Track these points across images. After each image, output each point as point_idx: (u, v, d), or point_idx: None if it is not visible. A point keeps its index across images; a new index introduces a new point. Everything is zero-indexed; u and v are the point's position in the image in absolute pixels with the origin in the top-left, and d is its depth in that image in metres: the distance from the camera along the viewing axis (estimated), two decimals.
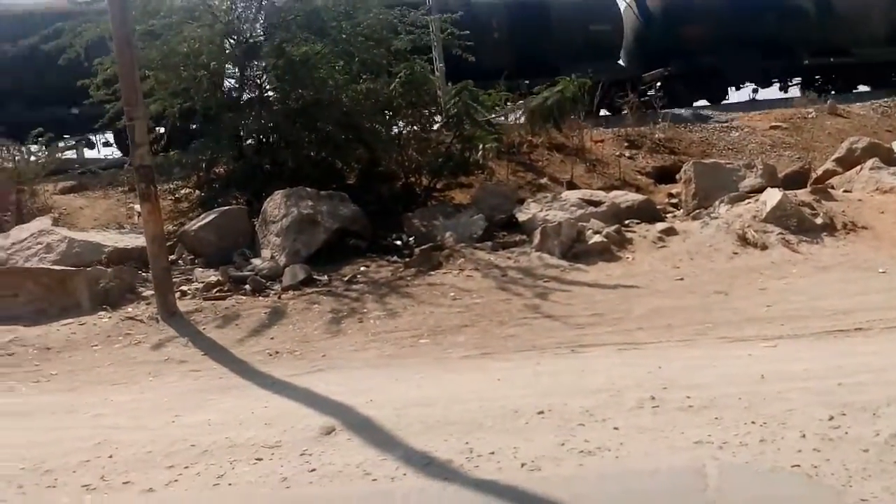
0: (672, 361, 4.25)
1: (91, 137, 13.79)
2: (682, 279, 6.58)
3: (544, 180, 10.68)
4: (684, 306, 5.71)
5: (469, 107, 9.66)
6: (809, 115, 14.65)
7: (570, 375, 4.16)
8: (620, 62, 17.80)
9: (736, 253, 7.17)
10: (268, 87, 9.00)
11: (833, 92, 18.75)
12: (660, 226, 7.99)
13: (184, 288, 6.97)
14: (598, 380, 3.96)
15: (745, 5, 18.18)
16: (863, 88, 19.53)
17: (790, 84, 20.50)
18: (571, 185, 10.37)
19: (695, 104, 16.95)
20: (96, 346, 5.69)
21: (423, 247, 7.67)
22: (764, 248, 7.19)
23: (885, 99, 16.49)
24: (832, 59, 19.22)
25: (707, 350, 4.57)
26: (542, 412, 3.50)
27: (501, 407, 3.61)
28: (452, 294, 6.48)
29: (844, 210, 7.90)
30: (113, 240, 8.07)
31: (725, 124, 14.12)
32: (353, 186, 9.47)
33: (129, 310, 6.44)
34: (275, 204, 7.98)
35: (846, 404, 3.28)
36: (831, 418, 3.14)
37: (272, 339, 5.64)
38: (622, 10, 18.55)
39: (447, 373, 4.53)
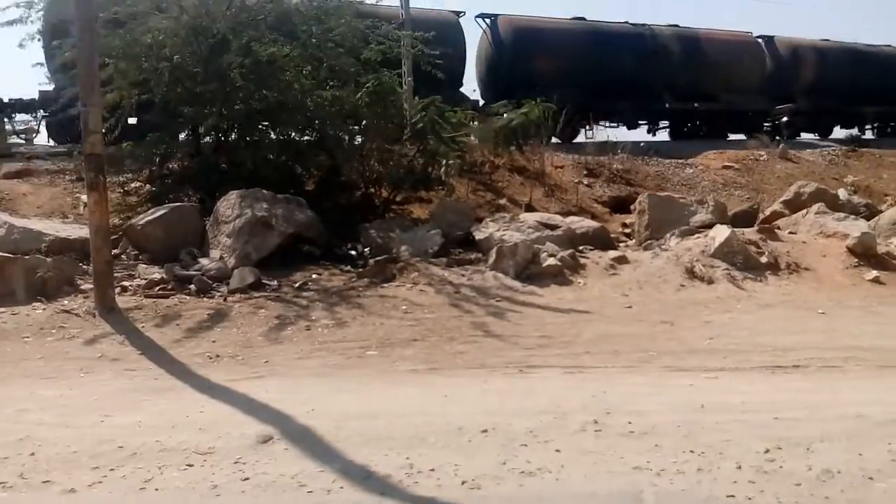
0: (616, 387, 4.29)
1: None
2: (630, 307, 6.67)
3: (503, 201, 10.78)
4: (631, 333, 5.78)
5: (435, 122, 9.69)
6: (761, 158, 15.21)
7: (516, 395, 4.14)
8: (462, 90, 17.08)
9: (683, 285, 7.32)
10: (231, 85, 8.82)
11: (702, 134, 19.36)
12: (612, 253, 8.11)
13: (125, 283, 6.74)
14: (544, 401, 3.95)
15: (604, 42, 18.19)
16: (734, 136, 20.14)
17: (657, 127, 20.84)
18: (530, 208, 10.49)
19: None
20: (27, 337, 5.43)
21: (377, 258, 7.61)
22: (710, 282, 7.36)
23: (833, 147, 17.25)
24: (697, 105, 19.66)
25: (651, 377, 4.62)
26: (486, 431, 3.47)
27: (446, 423, 3.57)
28: (404, 307, 6.43)
29: (789, 251, 8.17)
30: (55, 229, 7.78)
31: (681, 161, 14.54)
32: (311, 193, 9.36)
33: (66, 302, 6.18)
34: (229, 204, 7.80)
35: (782, 438, 3.34)
36: (767, 451, 3.20)
37: (213, 342, 5.47)
38: (481, 36, 18.44)
39: (393, 386, 4.46)
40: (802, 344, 5.40)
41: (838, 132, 22.54)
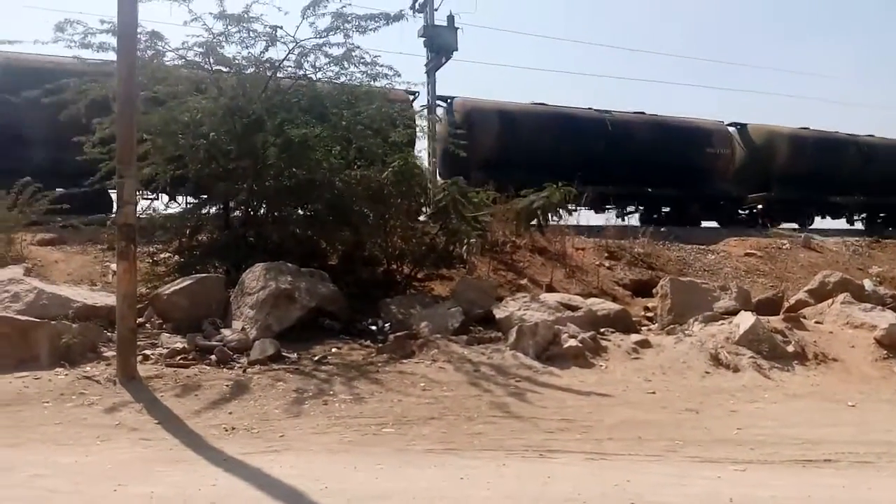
0: (640, 476, 4.15)
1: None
2: (654, 392, 6.53)
3: (524, 281, 10.78)
4: (655, 420, 5.63)
5: (457, 201, 9.87)
6: (784, 247, 15.14)
7: (535, 481, 4.03)
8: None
9: (708, 372, 7.17)
10: (263, 162, 9.14)
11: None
12: (634, 337, 8.02)
13: (147, 352, 6.77)
14: (565, 488, 3.84)
15: (566, 126, 18.15)
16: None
17: (626, 212, 20.49)
18: (550, 289, 10.47)
19: None
20: (47, 402, 5.44)
21: (397, 334, 7.60)
22: (736, 370, 7.21)
23: (857, 238, 17.15)
24: (665, 191, 19.52)
25: (676, 468, 4.47)
26: None
27: None
28: (422, 384, 6.36)
29: (816, 341, 8.01)
30: (83, 296, 7.90)
31: (702, 247, 14.52)
32: (334, 267, 9.47)
33: (88, 369, 6.22)
34: (254, 276, 7.92)
35: None
36: None
37: (230, 413, 5.44)
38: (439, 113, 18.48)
39: (409, 466, 4.37)
40: (833, 437, 5.23)
41: (840, 223, 22.18)
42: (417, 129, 11.21)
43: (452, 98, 18.48)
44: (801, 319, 8.73)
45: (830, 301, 9.46)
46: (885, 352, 7.74)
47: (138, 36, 7.40)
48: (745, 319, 7.93)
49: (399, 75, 9.78)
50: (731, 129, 21.48)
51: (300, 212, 9.79)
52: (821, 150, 21.40)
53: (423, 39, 14.24)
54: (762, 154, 21.07)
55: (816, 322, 8.98)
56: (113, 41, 8.16)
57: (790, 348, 7.63)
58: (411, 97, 17.46)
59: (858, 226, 22.69)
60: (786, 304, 10.21)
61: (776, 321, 8.40)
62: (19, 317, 6.70)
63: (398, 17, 9.42)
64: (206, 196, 9.57)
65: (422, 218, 10.51)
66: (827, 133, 22.47)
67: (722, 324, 8.20)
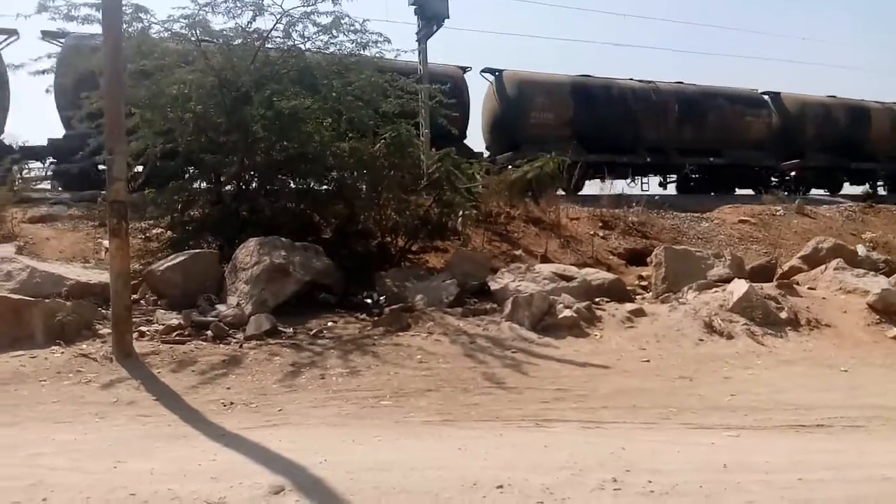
0: (635, 443, 4.20)
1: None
2: (648, 361, 6.59)
3: (519, 252, 10.79)
4: (650, 388, 5.69)
5: (450, 173, 9.81)
6: (777, 213, 15.17)
7: (532, 450, 4.07)
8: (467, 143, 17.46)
9: (702, 339, 7.23)
10: (253, 135, 9.03)
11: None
12: (629, 306, 8.06)
13: (143, 329, 6.77)
14: (561, 456, 3.88)
15: (609, 97, 18.67)
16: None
17: (667, 181, 21.17)
18: (545, 259, 10.49)
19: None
20: (44, 381, 5.45)
21: (392, 307, 7.61)
22: (730, 337, 7.26)
23: (850, 203, 17.19)
24: (702, 160, 20.10)
25: (671, 435, 4.52)
26: (501, 486, 3.39)
27: (460, 478, 3.50)
28: (419, 357, 6.39)
29: (809, 307, 8.07)
30: (76, 273, 7.87)
31: (696, 215, 14.53)
32: (328, 241, 9.44)
33: (84, 346, 6.21)
34: (248, 251, 7.89)
35: (806, 500, 3.25)
36: None
37: (228, 388, 5.46)
38: (487, 89, 18.97)
39: (407, 437, 4.40)
40: (825, 402, 5.29)
41: (848, 189, 22.56)
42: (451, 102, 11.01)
43: (501, 70, 18.57)
44: (795, 286, 8.78)
45: (823, 267, 9.51)
46: (878, 317, 7.81)
47: (123, 9, 7.24)
48: (739, 287, 7.97)
49: (389, 41, 9.63)
50: (765, 97, 21.79)
51: (293, 185, 9.72)
52: (851, 118, 21.93)
53: (413, 7, 14.04)
54: (795, 122, 21.51)
55: (809, 288, 9.04)
56: (97, 14, 7.97)
57: (783, 315, 7.68)
58: (462, 72, 17.48)
59: (881, 191, 23.07)
60: (779, 271, 10.27)
61: (769, 288, 8.45)
62: (12, 295, 6.66)
63: None
64: (196, 170, 9.47)
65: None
66: (856, 101, 22.94)
67: (716, 291, 8.24)
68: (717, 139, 19.81)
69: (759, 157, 20.73)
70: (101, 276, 7.58)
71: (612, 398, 5.38)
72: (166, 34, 9.12)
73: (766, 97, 21.78)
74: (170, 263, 7.95)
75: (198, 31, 9.04)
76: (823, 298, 8.46)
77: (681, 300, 8.26)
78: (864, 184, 22.78)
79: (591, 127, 18.05)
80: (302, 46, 9.50)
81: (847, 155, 21.66)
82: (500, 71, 18.57)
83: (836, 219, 15.66)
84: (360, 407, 5.11)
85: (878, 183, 23.51)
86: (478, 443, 4.22)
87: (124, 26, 7.61)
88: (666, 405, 5.21)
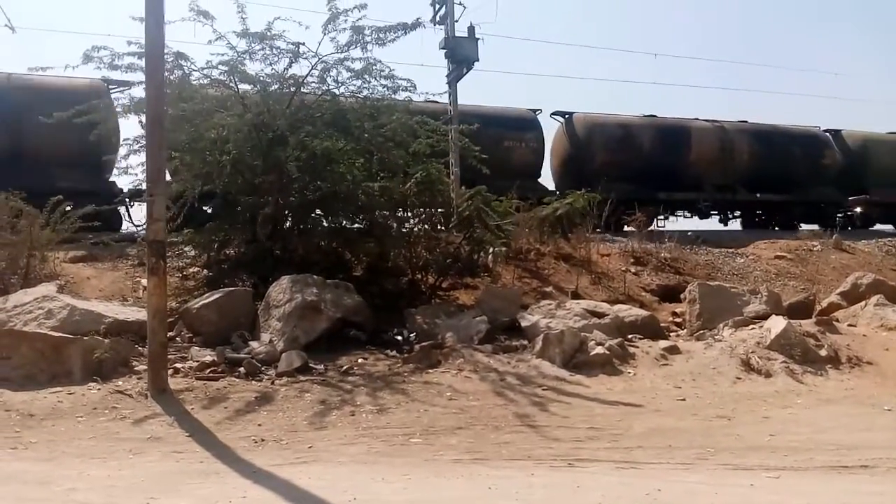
0: (672, 484, 4.10)
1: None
2: (683, 399, 6.45)
3: (549, 288, 10.72)
4: (685, 428, 5.56)
5: (481, 210, 9.87)
6: (814, 248, 14.85)
7: (564, 490, 4.00)
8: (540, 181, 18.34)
9: (739, 378, 7.06)
10: (288, 176, 9.25)
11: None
12: (663, 343, 7.93)
13: (178, 365, 6.87)
14: (594, 498, 3.80)
15: (675, 137, 19.17)
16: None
17: (729, 218, 21.41)
18: (576, 296, 10.40)
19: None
20: (81, 417, 5.55)
21: (423, 344, 7.61)
22: (768, 375, 7.08)
23: (890, 238, 16.77)
24: (768, 197, 20.46)
25: (708, 476, 4.40)
26: None
27: None
28: (449, 394, 6.36)
29: (849, 344, 7.84)
30: (114, 311, 8.04)
31: (731, 250, 14.31)
32: (359, 278, 9.53)
33: (120, 383, 6.33)
34: (280, 288, 8.00)
35: None
36: None
37: (259, 425, 5.49)
38: (556, 131, 19.55)
39: (437, 476, 4.36)
40: (868, 442, 5.11)
41: None
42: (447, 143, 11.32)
43: (571, 113, 19.38)
44: (834, 322, 8.56)
45: (863, 303, 9.27)
46: None
47: (164, 57, 7.55)
48: (777, 323, 7.80)
49: (415, 88, 9.85)
50: (827, 134, 22.21)
51: (325, 224, 9.88)
52: None
53: (444, 51, 14.41)
54: (858, 159, 21.83)
55: (849, 325, 8.80)
56: (140, 63, 8.33)
57: (823, 352, 7.48)
58: (535, 113, 18.19)
59: None
60: (817, 307, 10.02)
61: (808, 325, 8.25)
62: (53, 333, 6.85)
63: (415, 26, 9.46)
64: (234, 210, 9.70)
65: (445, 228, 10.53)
66: None
67: (752, 328, 8.08)
68: (783, 176, 20.16)
69: (827, 193, 21.01)
70: (138, 314, 7.74)
71: (647, 438, 5.27)
72: (205, 80, 9.47)
73: (827, 134, 22.13)
74: (205, 301, 8.09)
75: (236, 77, 9.37)
76: (864, 335, 8.22)
77: (716, 337, 8.11)
78: None
79: (658, 165, 18.57)
80: (336, 91, 9.78)
81: None
82: (570, 113, 19.37)
83: (875, 254, 15.26)
84: (390, 445, 5.08)
85: None
86: (509, 483, 4.16)
87: (165, 73, 7.92)
88: (703, 445, 5.08)
